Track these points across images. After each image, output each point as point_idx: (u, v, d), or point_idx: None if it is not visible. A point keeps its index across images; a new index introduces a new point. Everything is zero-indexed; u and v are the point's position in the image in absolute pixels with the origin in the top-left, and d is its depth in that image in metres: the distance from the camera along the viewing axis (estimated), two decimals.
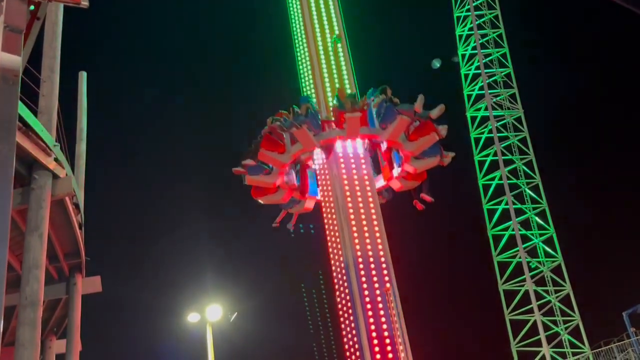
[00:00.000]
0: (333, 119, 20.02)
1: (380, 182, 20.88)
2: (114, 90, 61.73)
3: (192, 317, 25.91)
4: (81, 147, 16.81)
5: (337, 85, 21.38)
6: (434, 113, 19.88)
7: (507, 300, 47.03)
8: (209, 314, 25.39)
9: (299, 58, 24.11)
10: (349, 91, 21.22)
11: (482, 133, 52.26)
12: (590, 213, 62.09)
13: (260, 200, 21.55)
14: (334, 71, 22.25)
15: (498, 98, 52.50)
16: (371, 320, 15.69)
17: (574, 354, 41.62)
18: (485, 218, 49.79)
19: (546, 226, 48.69)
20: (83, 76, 18.06)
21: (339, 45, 22.70)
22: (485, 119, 52.42)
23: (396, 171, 20.56)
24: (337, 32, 22.99)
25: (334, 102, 20.51)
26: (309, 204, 21.63)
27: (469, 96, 53.60)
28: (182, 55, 72.37)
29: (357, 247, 17.07)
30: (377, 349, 15.37)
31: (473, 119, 53.12)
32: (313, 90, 22.38)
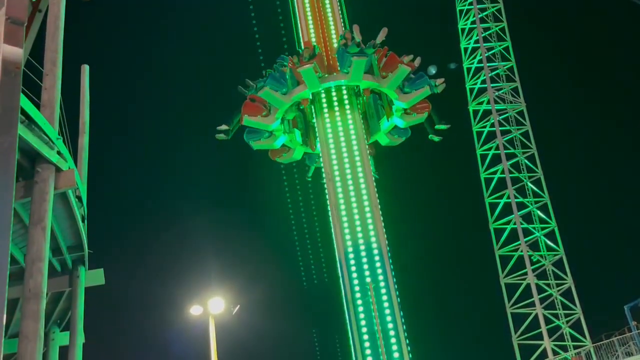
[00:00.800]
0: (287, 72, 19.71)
1: (386, 124, 20.70)
2: (116, 83, 61.72)
3: (194, 310, 25.99)
4: (84, 140, 16.83)
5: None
6: (378, 38, 19.82)
7: (508, 294, 47.08)
8: (212, 307, 25.46)
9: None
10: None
11: (484, 127, 52.18)
12: (593, 207, 62.08)
13: (279, 160, 21.63)
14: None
15: (500, 92, 52.40)
16: (362, 315, 15.55)
17: (575, 347, 41.68)
18: (487, 212, 49.80)
19: (548, 220, 48.68)
20: (85, 69, 18.10)
21: None
22: (487, 113, 52.35)
23: (395, 109, 20.44)
24: None
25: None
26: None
27: (472, 90, 53.53)
28: (186, 46, 72.28)
29: (347, 234, 16.79)
30: (367, 344, 15.24)
31: (475, 112, 53.05)
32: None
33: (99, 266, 16.26)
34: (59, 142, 11.83)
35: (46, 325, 15.57)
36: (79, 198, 14.25)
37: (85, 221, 15.20)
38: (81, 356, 14.35)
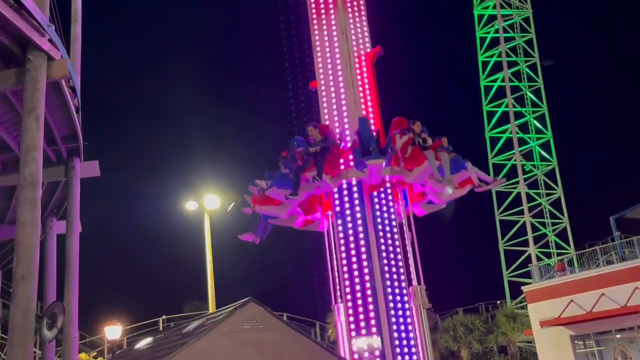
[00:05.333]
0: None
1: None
2: None
3: (190, 205, 26.46)
4: (76, 29, 16.30)
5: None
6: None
7: (498, 202, 47.95)
8: (207, 203, 25.89)
9: None
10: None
11: (488, 33, 50.94)
12: (590, 119, 62.03)
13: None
14: None
15: None
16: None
17: (558, 255, 43.02)
18: (484, 119, 49.70)
19: (544, 130, 48.70)
20: None
21: None
22: (492, 18, 50.93)
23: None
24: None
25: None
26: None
27: None
28: None
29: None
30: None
31: (480, 17, 51.61)
32: None
33: (94, 159, 16.29)
34: (51, 30, 11.45)
35: (43, 214, 15.85)
36: (72, 89, 14.05)
37: (80, 112, 15.07)
38: (78, 244, 14.71)
